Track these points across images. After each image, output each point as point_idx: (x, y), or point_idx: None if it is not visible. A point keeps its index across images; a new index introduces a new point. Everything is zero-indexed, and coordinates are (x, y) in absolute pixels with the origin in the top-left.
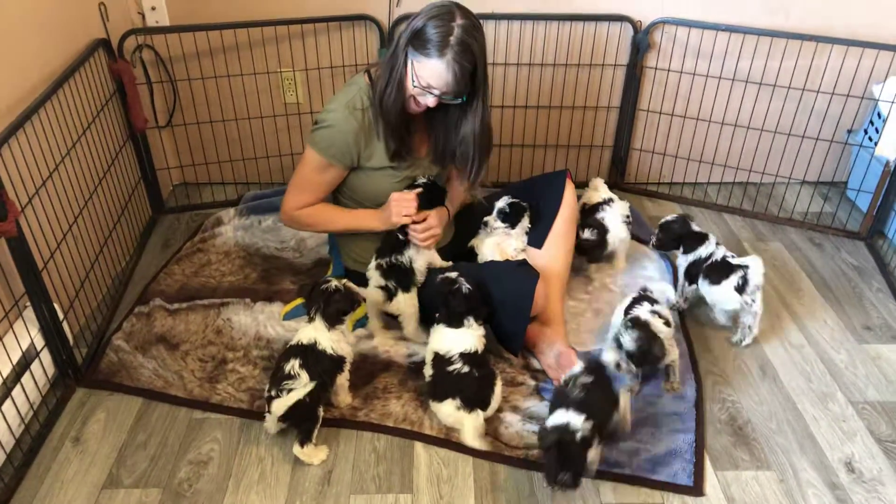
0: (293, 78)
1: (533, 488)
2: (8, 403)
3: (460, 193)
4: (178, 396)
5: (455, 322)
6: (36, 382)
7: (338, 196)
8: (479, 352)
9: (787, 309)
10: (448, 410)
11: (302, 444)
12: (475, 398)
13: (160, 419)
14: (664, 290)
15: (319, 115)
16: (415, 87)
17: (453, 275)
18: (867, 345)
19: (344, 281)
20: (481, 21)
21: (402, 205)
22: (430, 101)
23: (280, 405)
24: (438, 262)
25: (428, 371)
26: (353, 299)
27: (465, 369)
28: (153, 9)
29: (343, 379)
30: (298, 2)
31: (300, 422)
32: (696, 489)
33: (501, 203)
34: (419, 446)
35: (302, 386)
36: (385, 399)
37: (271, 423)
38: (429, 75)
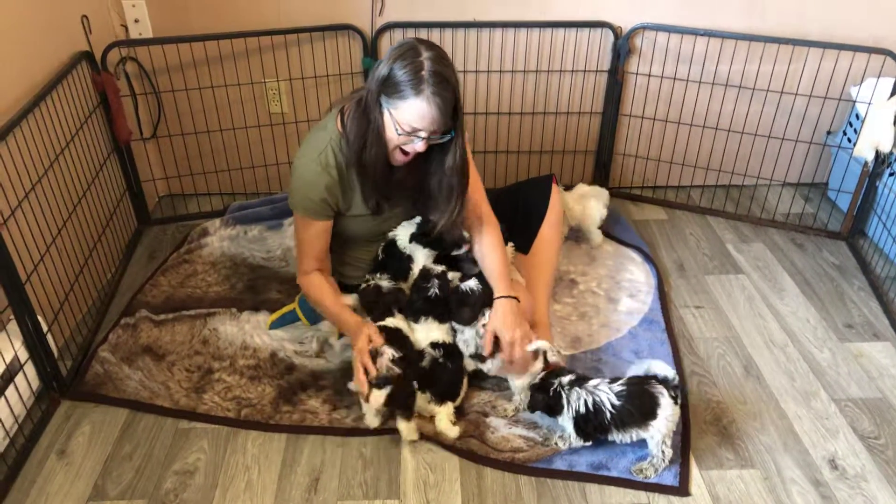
0: (278, 88)
1: (519, 491)
2: None
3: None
4: (165, 407)
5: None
6: (20, 396)
7: (335, 239)
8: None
9: (770, 309)
10: (420, 403)
11: (408, 419)
12: (446, 391)
13: (146, 430)
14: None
15: (292, 167)
16: (399, 134)
17: (437, 269)
18: (849, 343)
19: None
20: (463, 30)
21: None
22: (420, 146)
23: (377, 396)
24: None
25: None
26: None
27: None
28: (136, 21)
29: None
30: (282, 12)
31: (401, 403)
32: (682, 489)
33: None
34: (406, 451)
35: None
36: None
37: (372, 417)
38: (411, 117)
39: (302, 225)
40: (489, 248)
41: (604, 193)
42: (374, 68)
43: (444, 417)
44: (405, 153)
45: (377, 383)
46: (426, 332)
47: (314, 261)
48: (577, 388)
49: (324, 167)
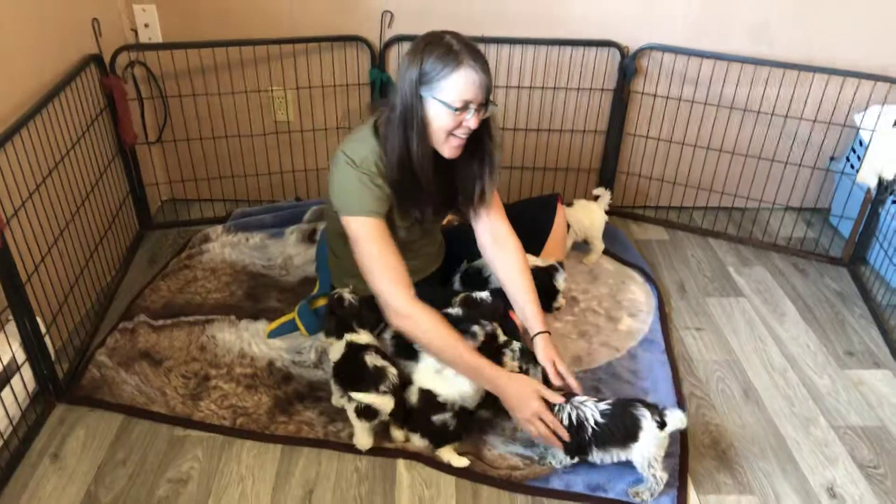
0: (284, 97)
1: None
2: None
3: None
4: (160, 413)
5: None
6: (16, 397)
7: (344, 247)
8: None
9: (770, 333)
10: (421, 444)
11: (401, 428)
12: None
13: (140, 436)
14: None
15: (335, 182)
16: (456, 110)
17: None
18: (849, 370)
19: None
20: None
21: (542, 433)
22: (472, 122)
23: (388, 402)
24: None
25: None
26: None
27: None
28: (146, 25)
29: None
30: (290, 22)
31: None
32: None
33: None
34: (401, 466)
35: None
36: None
37: (366, 438)
38: (461, 89)
39: (367, 234)
40: (518, 273)
41: (605, 195)
42: (402, 74)
43: (449, 453)
44: (458, 138)
45: (383, 390)
46: (454, 386)
47: (405, 284)
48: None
49: (369, 172)
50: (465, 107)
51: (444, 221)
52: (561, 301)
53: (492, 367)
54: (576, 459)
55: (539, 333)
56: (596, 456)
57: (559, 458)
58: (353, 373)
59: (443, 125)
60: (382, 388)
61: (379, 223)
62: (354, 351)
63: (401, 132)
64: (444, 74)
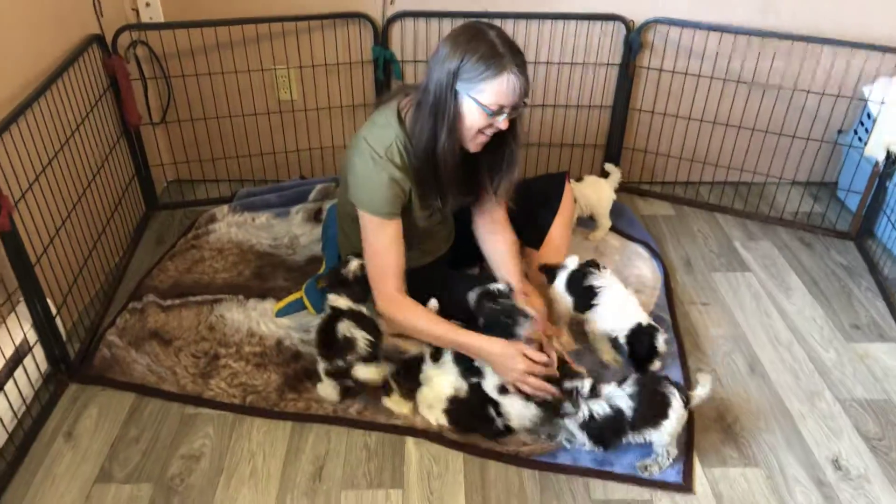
0: (287, 75)
1: (522, 485)
2: (0, 398)
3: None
4: (171, 392)
5: None
6: (28, 377)
7: (353, 226)
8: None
9: (776, 307)
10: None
11: (389, 395)
12: None
13: (152, 414)
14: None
15: (355, 169)
16: (491, 115)
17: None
18: (855, 343)
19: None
20: (474, 20)
21: (536, 386)
22: (503, 123)
23: (366, 371)
24: None
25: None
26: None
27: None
28: (147, 5)
29: None
30: None
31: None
32: (686, 486)
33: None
34: (410, 442)
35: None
36: (376, 394)
37: (332, 391)
38: (501, 95)
39: (376, 230)
40: (508, 256)
41: (615, 173)
42: (438, 63)
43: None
44: (485, 136)
45: (365, 360)
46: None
47: (395, 278)
48: (591, 399)
49: (392, 162)
50: (499, 111)
51: None
52: (657, 364)
53: (472, 337)
54: (603, 447)
55: None
56: (630, 438)
57: (578, 441)
58: (325, 338)
59: (474, 124)
60: (350, 358)
61: (390, 223)
62: (334, 316)
63: (430, 123)
64: (485, 77)
